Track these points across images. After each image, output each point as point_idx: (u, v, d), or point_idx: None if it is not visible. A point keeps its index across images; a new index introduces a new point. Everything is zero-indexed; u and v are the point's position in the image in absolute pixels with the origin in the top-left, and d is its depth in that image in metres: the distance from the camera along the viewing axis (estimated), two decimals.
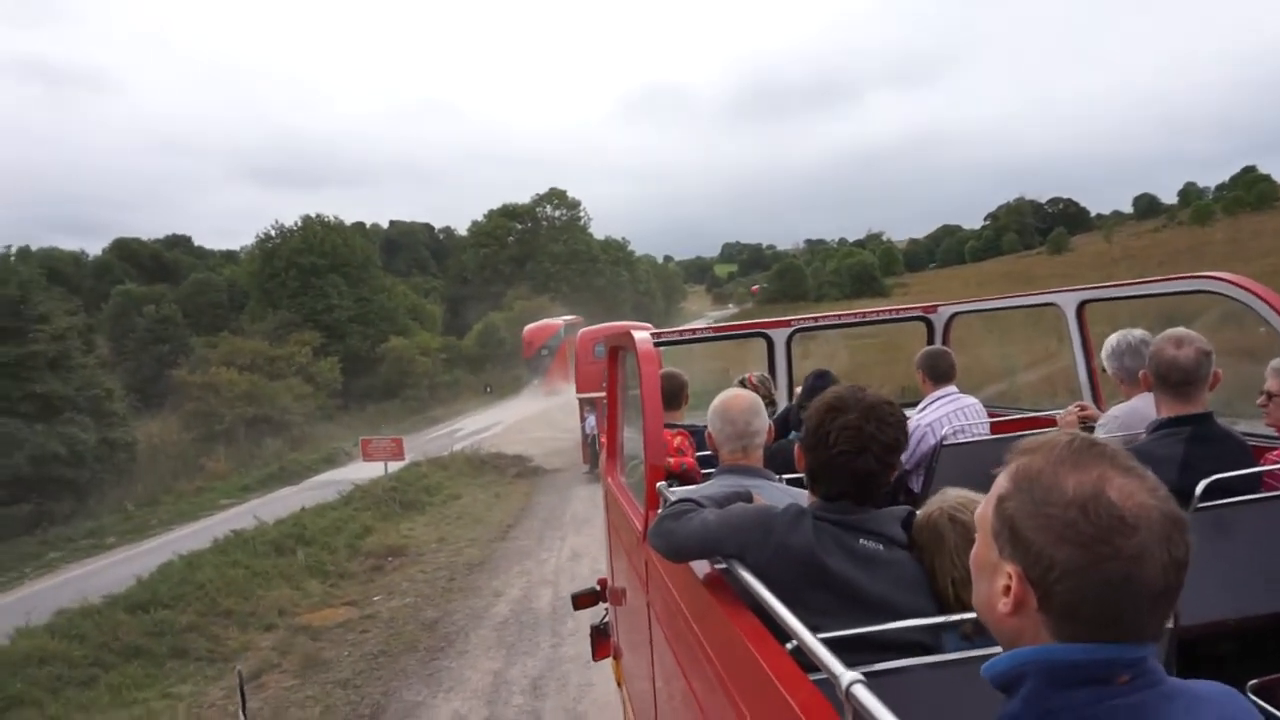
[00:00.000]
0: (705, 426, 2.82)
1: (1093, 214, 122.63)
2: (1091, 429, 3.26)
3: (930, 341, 5.17)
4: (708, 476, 2.86)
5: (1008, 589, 1.10)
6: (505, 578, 14.36)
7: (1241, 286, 3.02)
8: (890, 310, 5.60)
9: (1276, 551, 2.35)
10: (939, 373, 4.22)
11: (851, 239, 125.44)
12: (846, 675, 1.25)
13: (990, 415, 4.22)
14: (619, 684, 4.43)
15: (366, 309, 42.49)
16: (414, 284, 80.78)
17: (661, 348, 3.60)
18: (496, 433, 31.62)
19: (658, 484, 2.62)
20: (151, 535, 21.39)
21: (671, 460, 3.30)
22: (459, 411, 39.27)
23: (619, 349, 3.82)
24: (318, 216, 42.43)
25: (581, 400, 22.05)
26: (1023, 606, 1.09)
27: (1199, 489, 2.30)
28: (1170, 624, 1.51)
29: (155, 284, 56.63)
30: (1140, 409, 3.09)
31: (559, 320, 41.02)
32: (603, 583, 4.84)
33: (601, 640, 4.91)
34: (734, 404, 2.64)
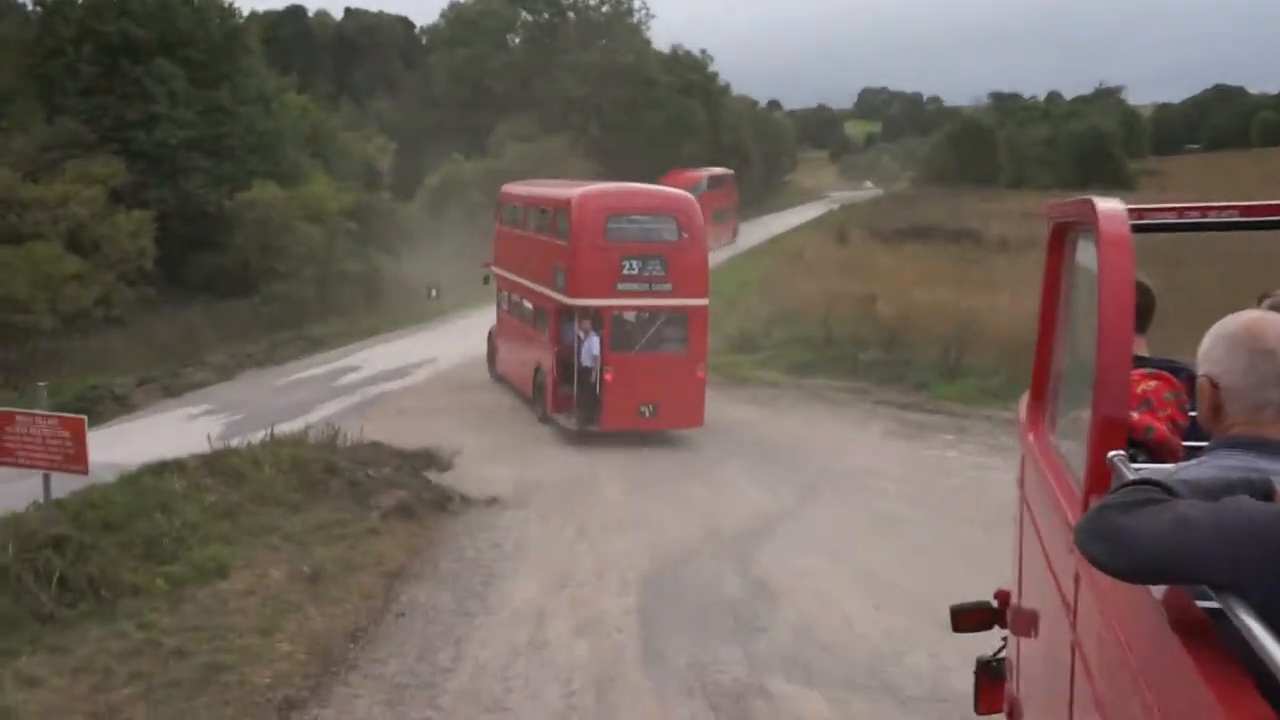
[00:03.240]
0: (1186, 369, 3.33)
1: None
2: None
3: None
4: (1193, 452, 3.00)
5: None
6: None
7: None
8: None
9: None
10: None
11: (1068, 95, 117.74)
12: None
13: None
14: None
15: (222, 128, 35.33)
16: (376, 110, 74.15)
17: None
18: (413, 384, 26.74)
19: (1110, 454, 2.67)
20: None
21: (1140, 417, 3.33)
22: (367, 330, 33.82)
23: (1067, 227, 4.00)
24: None
25: (576, 308, 21.19)
26: None
27: None
28: None
29: None
30: None
31: (702, 172, 49.59)
32: (1003, 597, 4.93)
33: (991, 685, 5.02)
34: (1268, 331, 2.55)
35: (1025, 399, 4.51)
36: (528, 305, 23.90)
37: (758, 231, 58.87)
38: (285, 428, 19.14)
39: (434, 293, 31.77)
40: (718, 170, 56.51)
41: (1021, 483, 4.51)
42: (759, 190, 73.73)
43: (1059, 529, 3.12)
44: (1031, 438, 4.23)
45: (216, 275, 33.08)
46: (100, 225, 29.59)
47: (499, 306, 26.56)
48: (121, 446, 18.82)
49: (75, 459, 12.89)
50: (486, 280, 27.55)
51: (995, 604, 5.07)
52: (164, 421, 22.00)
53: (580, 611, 12.99)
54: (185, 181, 33.72)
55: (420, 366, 28.10)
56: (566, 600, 13.30)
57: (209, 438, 17.59)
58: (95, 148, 32.27)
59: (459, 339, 30.16)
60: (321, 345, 31.26)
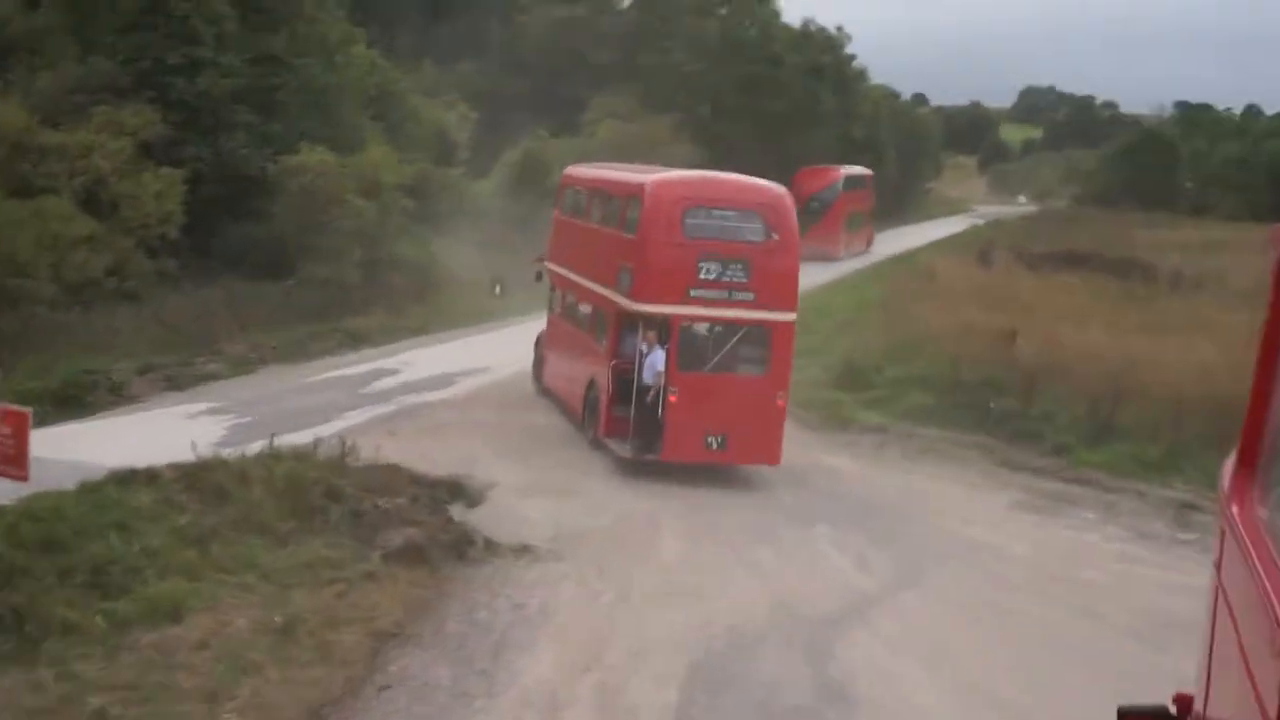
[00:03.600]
0: None
1: None
2: None
3: None
4: None
5: None
6: None
7: None
8: None
9: None
10: None
11: (1270, 110, 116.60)
12: None
13: None
14: None
15: (275, 80, 35.15)
16: (460, 74, 74.34)
17: None
18: (456, 395, 26.41)
19: None
20: None
21: None
22: (415, 327, 33.69)
23: None
24: None
25: (641, 315, 20.87)
26: None
27: None
28: None
29: None
30: None
31: (839, 170, 55.66)
32: (1184, 702, 4.67)
33: None
34: None
35: (1230, 465, 4.32)
36: (584, 309, 23.74)
37: (888, 245, 59.00)
38: (293, 438, 18.68)
39: (499, 288, 31.21)
40: (856, 170, 56.55)
41: (1218, 565, 4.32)
42: (894, 198, 73.20)
43: (1265, 627, 3.01)
44: (1236, 511, 4.05)
45: (249, 250, 32.84)
46: (122, 182, 29.55)
47: (550, 309, 26.57)
48: (104, 444, 18.58)
49: (14, 460, 12.82)
50: (539, 277, 27.56)
51: (1172, 709, 4.76)
52: (161, 417, 21.66)
53: (606, 703, 12.37)
54: (226, 139, 33.54)
55: (470, 374, 27.76)
56: (591, 686, 12.65)
57: (193, 445, 17.00)
58: (128, 94, 32.19)
59: (520, 344, 29.42)
60: (360, 341, 31.13)
